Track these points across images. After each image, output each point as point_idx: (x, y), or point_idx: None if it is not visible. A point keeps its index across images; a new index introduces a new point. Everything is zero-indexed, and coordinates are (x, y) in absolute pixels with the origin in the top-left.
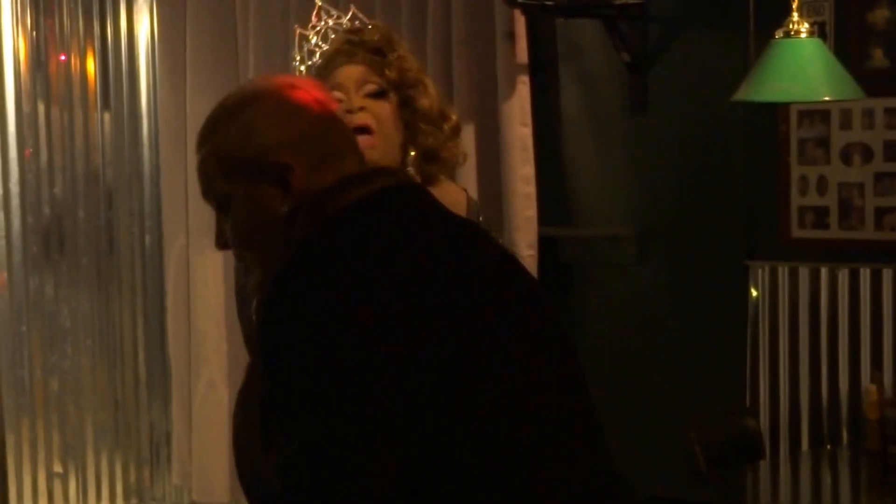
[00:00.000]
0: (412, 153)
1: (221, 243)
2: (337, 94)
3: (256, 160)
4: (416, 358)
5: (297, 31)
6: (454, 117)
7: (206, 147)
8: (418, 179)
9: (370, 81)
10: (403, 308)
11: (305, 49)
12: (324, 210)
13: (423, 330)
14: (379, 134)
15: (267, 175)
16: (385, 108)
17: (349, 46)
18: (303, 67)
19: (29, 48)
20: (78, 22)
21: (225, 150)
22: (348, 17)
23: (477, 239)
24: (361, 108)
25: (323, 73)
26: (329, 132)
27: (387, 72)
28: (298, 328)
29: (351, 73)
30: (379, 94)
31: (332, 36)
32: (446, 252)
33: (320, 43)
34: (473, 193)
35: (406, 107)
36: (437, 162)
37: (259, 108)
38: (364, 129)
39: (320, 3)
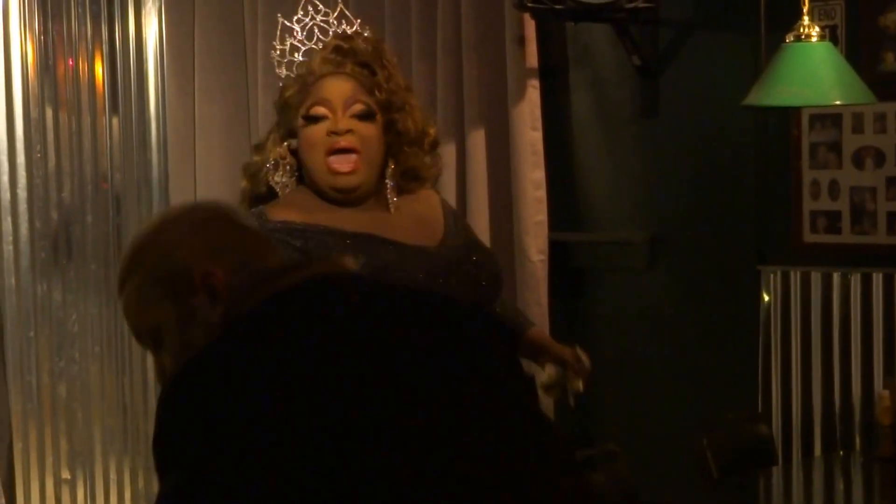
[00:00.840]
0: (392, 168)
1: (165, 379)
2: (322, 109)
3: (178, 276)
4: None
5: (281, 21)
6: (433, 132)
7: (128, 285)
8: (396, 193)
9: (359, 101)
10: (307, 409)
11: (288, 43)
12: (237, 310)
13: (328, 430)
14: (363, 153)
15: (191, 288)
16: (371, 131)
17: (337, 56)
18: (285, 61)
19: (37, 53)
20: (86, 26)
21: (147, 280)
22: (335, 14)
23: (403, 316)
24: (348, 131)
25: (308, 79)
26: (241, 238)
27: (376, 93)
28: (196, 437)
29: (339, 88)
30: (366, 116)
31: (318, 34)
32: (358, 350)
33: (304, 40)
34: (484, 198)
35: (390, 129)
36: (416, 180)
37: (168, 231)
38: (349, 151)
39: None
